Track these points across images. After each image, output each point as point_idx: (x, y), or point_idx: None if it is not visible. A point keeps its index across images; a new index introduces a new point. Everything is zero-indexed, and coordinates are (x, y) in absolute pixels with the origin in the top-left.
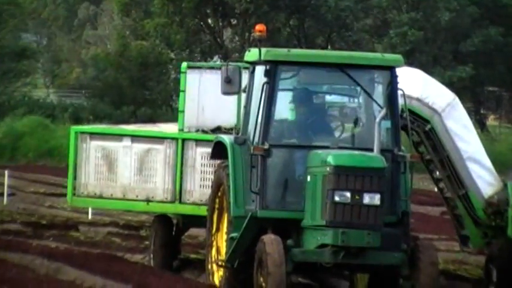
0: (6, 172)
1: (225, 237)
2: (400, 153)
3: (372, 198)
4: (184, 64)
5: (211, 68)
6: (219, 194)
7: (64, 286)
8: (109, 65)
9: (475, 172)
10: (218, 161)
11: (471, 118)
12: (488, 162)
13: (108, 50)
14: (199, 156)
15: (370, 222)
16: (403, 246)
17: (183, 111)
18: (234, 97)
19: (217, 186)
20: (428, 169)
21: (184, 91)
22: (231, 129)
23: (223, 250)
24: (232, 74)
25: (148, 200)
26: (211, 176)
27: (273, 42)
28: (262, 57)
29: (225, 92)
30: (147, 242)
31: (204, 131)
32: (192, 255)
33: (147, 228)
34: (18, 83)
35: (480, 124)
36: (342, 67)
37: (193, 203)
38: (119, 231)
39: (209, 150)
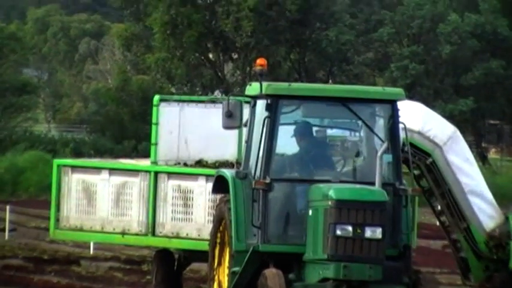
0: (7, 207)
1: (226, 271)
2: (402, 186)
3: (373, 232)
4: (156, 97)
5: (191, 101)
6: (221, 228)
7: None
8: (110, 100)
9: (476, 205)
10: (216, 195)
11: (472, 151)
12: (489, 195)
13: (109, 85)
14: (171, 189)
15: (372, 256)
16: (405, 279)
17: (155, 144)
18: (218, 130)
19: (219, 220)
20: (430, 202)
21: (157, 124)
22: (215, 163)
23: (225, 284)
24: (233, 108)
25: (123, 233)
26: (183, 209)
27: (274, 76)
28: (263, 91)
29: (226, 127)
30: (148, 277)
31: (185, 164)
32: None
33: (148, 262)
34: (19, 118)
35: (481, 157)
36: (343, 101)
37: (165, 236)
38: (120, 266)
39: (180, 183)
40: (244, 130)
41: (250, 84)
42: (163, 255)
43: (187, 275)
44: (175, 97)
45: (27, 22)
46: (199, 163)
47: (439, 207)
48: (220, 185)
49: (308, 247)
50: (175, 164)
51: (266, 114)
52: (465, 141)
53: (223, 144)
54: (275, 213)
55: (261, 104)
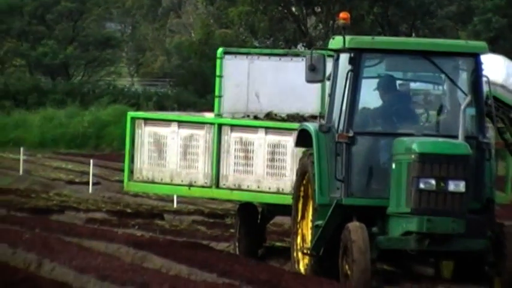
0: (91, 161)
1: (310, 225)
2: (485, 140)
3: (456, 186)
4: (220, 49)
5: (263, 54)
6: (304, 182)
7: (149, 274)
8: (193, 54)
9: None
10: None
11: None
12: None
13: (192, 39)
14: (233, 141)
15: (455, 209)
16: (488, 233)
17: (219, 97)
18: (293, 84)
19: (302, 174)
20: None
21: (221, 76)
22: (285, 116)
23: (308, 238)
24: (316, 61)
25: (190, 185)
26: (244, 161)
27: (357, 30)
28: (346, 45)
29: (309, 80)
30: (232, 230)
31: (255, 117)
32: (278, 243)
33: (232, 216)
34: (102, 72)
35: None
36: (426, 54)
37: (228, 188)
38: (204, 219)
39: (242, 135)
40: (328, 84)
41: (333, 38)
42: (247, 208)
43: (270, 229)
44: (243, 50)
45: None
46: (268, 116)
47: None
48: (303, 139)
49: (391, 200)
50: (243, 117)
51: (349, 67)
52: None
53: (298, 98)
54: (358, 167)
55: (344, 58)
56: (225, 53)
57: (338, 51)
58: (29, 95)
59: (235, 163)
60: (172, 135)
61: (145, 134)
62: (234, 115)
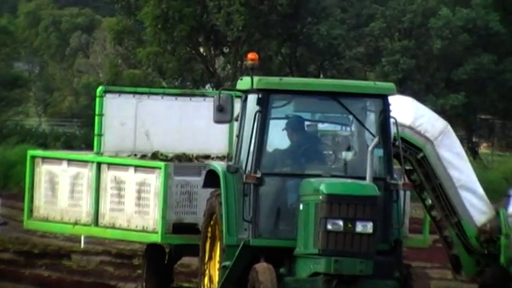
0: None
1: (217, 265)
2: (393, 181)
3: (364, 227)
4: (99, 88)
5: (153, 93)
6: (212, 222)
7: None
8: None
9: (467, 200)
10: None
11: (463, 146)
12: (480, 190)
13: (101, 79)
14: (109, 179)
15: (363, 250)
16: (396, 274)
17: (99, 135)
18: (187, 124)
19: (210, 214)
20: (421, 197)
21: (101, 115)
22: (172, 155)
23: (216, 279)
24: (224, 102)
25: (75, 223)
26: (117, 199)
27: (265, 71)
28: (254, 86)
29: (218, 121)
30: (139, 271)
31: (143, 156)
32: (185, 284)
33: (139, 256)
34: (10, 112)
35: (472, 152)
36: (335, 95)
37: (104, 226)
38: (111, 259)
39: (116, 173)
40: (236, 124)
41: (241, 79)
42: (154, 249)
43: (178, 269)
44: (129, 89)
45: (18, 16)
46: (154, 155)
47: (430, 202)
48: (211, 179)
49: (299, 241)
50: (128, 156)
51: (257, 108)
52: (456, 136)
53: (192, 138)
54: (266, 208)
55: (252, 99)
56: (106, 91)
57: (246, 92)
58: None
59: (110, 201)
60: (63, 174)
61: (42, 172)
62: (117, 154)
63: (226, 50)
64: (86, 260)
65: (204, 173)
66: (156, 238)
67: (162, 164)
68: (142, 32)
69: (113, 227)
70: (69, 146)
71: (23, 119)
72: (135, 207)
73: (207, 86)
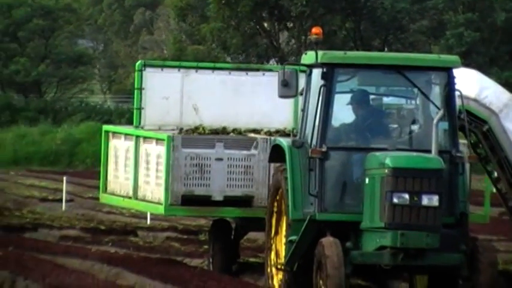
0: (64, 178)
1: (283, 240)
2: (458, 154)
3: (430, 200)
4: (139, 62)
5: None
6: (277, 197)
7: None
8: None
9: None
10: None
11: None
12: None
13: (165, 55)
14: (143, 152)
15: (429, 224)
16: (462, 247)
17: (139, 109)
18: (232, 97)
19: (276, 189)
20: (487, 170)
21: (141, 89)
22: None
23: (282, 253)
24: (289, 77)
25: (124, 196)
26: (148, 172)
27: (329, 45)
28: (319, 60)
29: (282, 95)
30: (206, 246)
31: (186, 130)
32: (251, 259)
33: (205, 232)
34: (75, 89)
35: None
36: (399, 69)
37: (139, 199)
38: (177, 235)
39: (148, 146)
40: (300, 99)
41: (306, 53)
42: (220, 224)
43: (244, 245)
44: (171, 63)
45: None
46: (197, 129)
47: (495, 175)
48: (276, 154)
49: (365, 215)
50: (172, 130)
51: (322, 82)
52: None
53: (247, 113)
54: (332, 182)
55: (316, 73)
56: (146, 65)
57: (311, 67)
58: (1, 112)
59: (143, 174)
60: (120, 148)
61: (111, 147)
62: (160, 128)
63: (290, 24)
64: (152, 236)
65: (218, 145)
66: (161, 210)
67: (165, 135)
68: (206, 8)
69: (144, 200)
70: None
71: (88, 96)
72: (155, 179)
73: (271, 61)
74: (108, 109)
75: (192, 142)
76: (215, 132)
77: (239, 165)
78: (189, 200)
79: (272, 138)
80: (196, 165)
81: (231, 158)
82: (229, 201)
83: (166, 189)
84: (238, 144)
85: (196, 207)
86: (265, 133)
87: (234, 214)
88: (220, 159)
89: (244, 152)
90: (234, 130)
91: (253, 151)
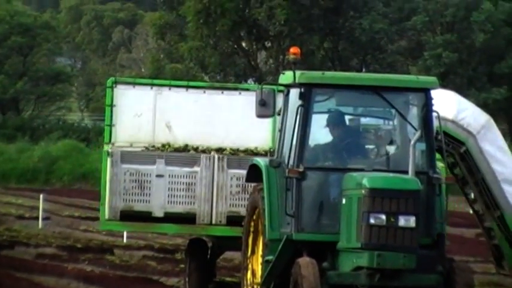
0: (41, 196)
1: (260, 260)
2: (435, 175)
3: (407, 221)
4: (110, 79)
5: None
6: (254, 217)
7: None
8: None
9: (510, 193)
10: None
11: (506, 140)
12: None
13: (143, 73)
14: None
15: (406, 245)
16: (439, 268)
17: (110, 126)
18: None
19: (253, 209)
20: (463, 191)
21: (111, 106)
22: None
23: (258, 273)
24: (266, 96)
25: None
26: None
27: (308, 65)
28: (296, 80)
29: (260, 115)
30: (182, 265)
31: (157, 147)
32: (228, 278)
33: (182, 251)
34: (52, 107)
35: None
36: (377, 89)
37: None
38: (154, 254)
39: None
40: (278, 119)
41: (284, 73)
42: (197, 243)
43: (220, 264)
44: (144, 80)
45: (60, 11)
46: (164, 146)
47: (472, 196)
48: (254, 174)
49: (342, 236)
50: (145, 147)
51: (299, 102)
52: (499, 130)
53: (218, 131)
54: (309, 202)
55: (294, 93)
56: (117, 82)
57: (288, 86)
58: None
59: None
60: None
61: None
62: (132, 144)
63: (268, 44)
64: (128, 255)
65: (159, 161)
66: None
67: (104, 150)
68: (184, 27)
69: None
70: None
71: (66, 114)
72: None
73: (249, 80)
74: (85, 127)
75: (133, 158)
76: (178, 150)
77: (181, 182)
78: (129, 216)
79: (218, 156)
80: (136, 181)
81: (172, 175)
82: (171, 218)
83: (102, 204)
84: (180, 161)
85: (133, 222)
86: (233, 152)
87: (172, 230)
88: (161, 176)
89: (186, 169)
90: (196, 148)
91: (195, 168)
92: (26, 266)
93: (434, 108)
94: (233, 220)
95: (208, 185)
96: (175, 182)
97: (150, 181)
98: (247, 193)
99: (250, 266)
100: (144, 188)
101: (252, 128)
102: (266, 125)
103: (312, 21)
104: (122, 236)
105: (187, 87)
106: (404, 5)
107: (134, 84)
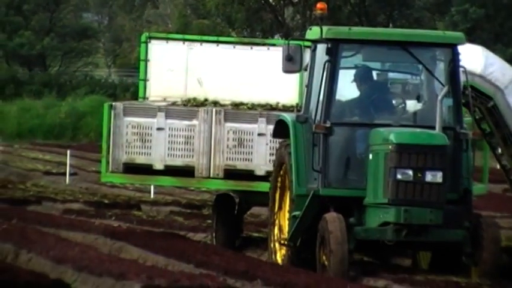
0: (68, 152)
1: (287, 215)
2: (462, 130)
3: (434, 176)
4: (144, 34)
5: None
6: (281, 172)
7: (126, 265)
8: None
9: None
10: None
11: None
12: None
13: (170, 29)
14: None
15: (433, 200)
16: (466, 223)
17: (144, 80)
18: (237, 71)
19: (279, 164)
20: (491, 146)
21: (146, 60)
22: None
23: (285, 228)
24: (293, 52)
25: None
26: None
27: (334, 20)
28: (323, 36)
29: (287, 71)
30: (209, 221)
31: (187, 101)
32: (255, 234)
33: (209, 206)
34: (79, 63)
35: None
36: (404, 45)
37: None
38: (181, 210)
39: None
40: (305, 74)
41: (311, 29)
42: (224, 199)
43: (247, 219)
44: (176, 35)
45: None
46: (194, 100)
47: (499, 151)
48: (280, 129)
49: (368, 191)
50: (175, 101)
51: (326, 58)
52: None
53: (250, 87)
54: (335, 158)
55: (321, 48)
56: (151, 37)
57: (315, 42)
58: (5, 85)
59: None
60: None
61: None
62: (165, 99)
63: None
64: (155, 210)
65: (159, 114)
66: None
67: (106, 104)
68: None
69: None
70: (138, 96)
71: (93, 69)
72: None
73: (276, 36)
74: (112, 83)
75: (134, 111)
76: (197, 105)
77: (180, 135)
78: (131, 168)
79: (215, 109)
80: (137, 133)
81: (172, 128)
82: (170, 170)
83: (104, 156)
84: (179, 114)
85: (134, 175)
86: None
87: (169, 183)
88: (162, 129)
89: (186, 122)
90: (214, 102)
91: (194, 121)
92: (53, 222)
93: (461, 63)
94: (230, 173)
95: (206, 138)
96: (174, 135)
97: (151, 134)
98: (243, 147)
99: (277, 221)
100: (145, 140)
101: (280, 84)
102: (293, 80)
103: None
104: (149, 192)
105: (218, 42)
106: None
107: (167, 39)
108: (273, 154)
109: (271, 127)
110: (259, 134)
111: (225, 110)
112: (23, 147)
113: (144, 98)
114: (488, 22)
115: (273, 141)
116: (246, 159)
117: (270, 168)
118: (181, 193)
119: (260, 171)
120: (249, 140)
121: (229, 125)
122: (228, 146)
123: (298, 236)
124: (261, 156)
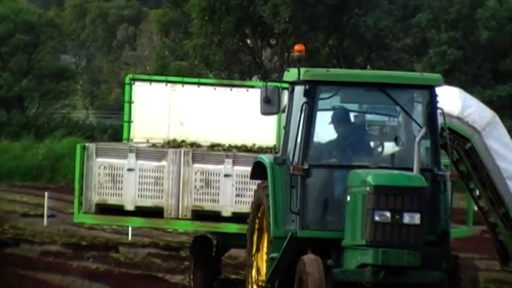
0: (46, 194)
1: (265, 257)
2: (440, 172)
3: (412, 218)
4: (128, 76)
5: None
6: (259, 214)
7: None
8: None
9: None
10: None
11: (511, 137)
12: None
13: (148, 71)
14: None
15: (411, 242)
16: (444, 265)
17: (128, 122)
18: (224, 114)
19: (257, 206)
20: (468, 188)
21: (130, 102)
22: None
23: (263, 270)
24: (271, 94)
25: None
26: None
27: (312, 62)
28: (301, 77)
29: (265, 112)
30: (187, 263)
31: (169, 142)
32: (233, 276)
33: (187, 248)
34: (57, 105)
35: None
36: (382, 87)
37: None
38: (158, 252)
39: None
40: (283, 116)
41: (288, 70)
42: (202, 241)
43: (225, 261)
44: (159, 77)
45: (65, 8)
46: (173, 142)
47: (477, 192)
48: (258, 171)
49: (346, 233)
50: (158, 143)
51: (304, 100)
52: (504, 126)
53: (227, 128)
54: (313, 199)
55: (299, 90)
56: (135, 79)
57: (293, 84)
58: None
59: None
60: None
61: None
62: (148, 140)
63: (273, 41)
64: (133, 252)
65: (130, 155)
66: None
67: (79, 145)
68: (189, 24)
69: None
70: (116, 138)
71: (70, 111)
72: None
73: (254, 78)
74: (90, 125)
75: (106, 152)
76: (174, 146)
77: (150, 176)
78: (103, 209)
79: (183, 150)
80: (109, 174)
81: (142, 169)
82: (141, 211)
83: (76, 197)
84: (149, 155)
85: (105, 216)
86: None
87: (139, 224)
88: (132, 170)
89: (155, 163)
90: (192, 144)
91: (163, 162)
92: (31, 264)
93: (439, 105)
94: (198, 214)
95: (175, 179)
96: (144, 176)
97: (122, 175)
98: (210, 188)
99: (255, 263)
100: (116, 181)
101: (259, 125)
102: (271, 123)
103: (316, 19)
104: (127, 234)
105: (199, 84)
106: (409, 2)
107: (151, 81)
108: (239, 195)
109: (237, 168)
110: (226, 175)
111: (192, 151)
112: (1, 189)
113: (129, 139)
114: (466, 64)
115: (239, 183)
116: (212, 200)
117: (236, 209)
118: (159, 235)
119: (226, 213)
120: (216, 181)
121: (197, 166)
122: (195, 187)
123: (276, 278)
124: (227, 197)
